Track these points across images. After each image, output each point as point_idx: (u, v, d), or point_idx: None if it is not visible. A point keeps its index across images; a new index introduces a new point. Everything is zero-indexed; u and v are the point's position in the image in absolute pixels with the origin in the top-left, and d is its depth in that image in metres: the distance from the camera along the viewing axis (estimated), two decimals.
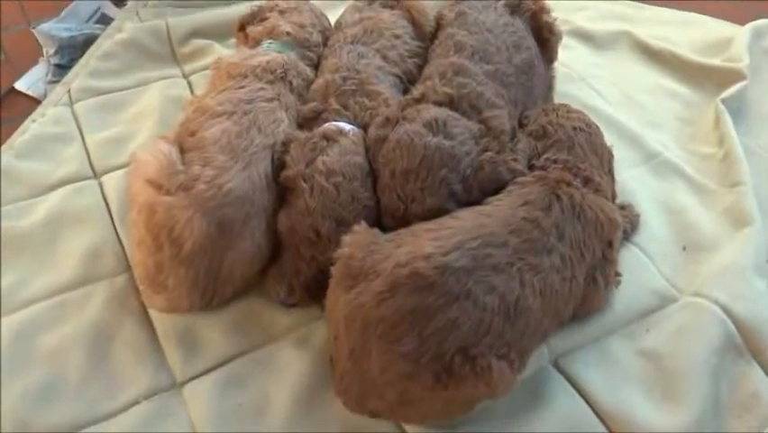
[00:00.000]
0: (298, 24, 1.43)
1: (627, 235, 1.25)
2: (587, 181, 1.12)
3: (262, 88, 1.25)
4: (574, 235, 1.04)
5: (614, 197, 1.21)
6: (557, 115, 1.24)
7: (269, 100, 1.24)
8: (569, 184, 1.08)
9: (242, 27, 1.49)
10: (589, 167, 1.15)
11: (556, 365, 1.09)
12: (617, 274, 1.16)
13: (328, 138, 1.15)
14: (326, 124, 1.20)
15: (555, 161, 1.16)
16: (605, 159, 1.22)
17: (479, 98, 1.18)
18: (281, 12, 1.46)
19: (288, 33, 1.40)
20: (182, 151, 1.17)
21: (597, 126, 1.26)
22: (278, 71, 1.29)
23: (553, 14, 1.45)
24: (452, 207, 1.08)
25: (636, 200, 1.32)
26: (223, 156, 1.13)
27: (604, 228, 1.08)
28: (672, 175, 1.41)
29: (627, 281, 1.18)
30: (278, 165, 1.16)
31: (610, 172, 1.23)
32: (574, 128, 1.20)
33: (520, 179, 1.11)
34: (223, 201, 1.09)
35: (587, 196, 1.08)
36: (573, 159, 1.16)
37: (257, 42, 1.41)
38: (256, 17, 1.47)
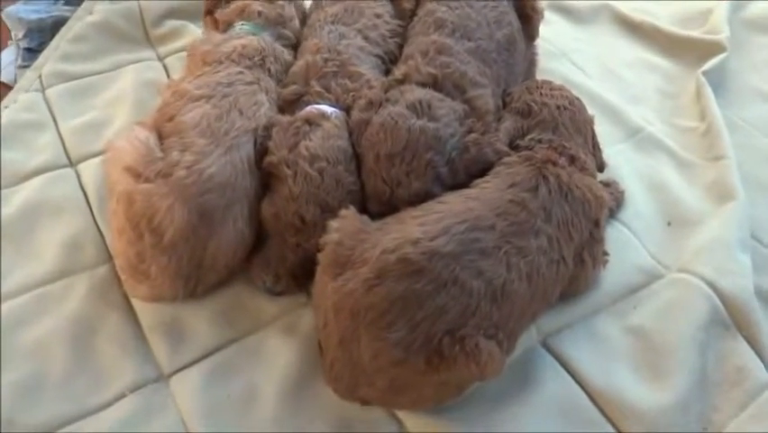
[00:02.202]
0: (269, 0, 1.39)
1: (613, 213, 1.25)
2: (573, 160, 1.12)
3: (241, 72, 1.22)
4: (562, 216, 1.03)
5: (600, 168, 1.22)
6: (540, 93, 1.23)
7: (249, 83, 1.21)
8: (555, 164, 1.08)
9: (209, 12, 1.44)
10: (574, 146, 1.15)
11: (545, 345, 1.09)
12: (605, 254, 1.16)
13: (311, 122, 1.13)
14: (308, 108, 1.18)
15: (540, 141, 1.15)
16: (589, 136, 1.21)
17: (462, 78, 1.17)
18: None
19: (259, 13, 1.36)
20: (160, 137, 1.14)
21: (580, 101, 1.26)
22: (256, 58, 1.26)
23: None
24: (437, 190, 1.08)
25: (620, 176, 1.32)
26: (203, 140, 1.10)
27: (591, 207, 1.08)
28: (655, 150, 1.41)
29: (613, 259, 1.18)
30: (261, 150, 1.14)
31: (596, 146, 1.23)
32: (558, 107, 1.20)
33: (506, 159, 1.10)
34: (204, 188, 1.06)
35: (573, 175, 1.08)
36: (558, 138, 1.15)
37: (228, 25, 1.37)
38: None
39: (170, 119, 1.16)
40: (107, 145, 1.17)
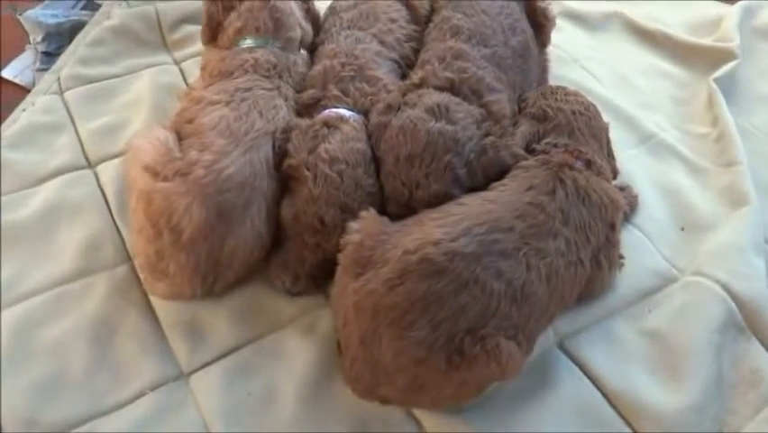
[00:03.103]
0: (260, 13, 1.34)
1: (627, 217, 1.26)
2: (589, 164, 1.13)
3: (259, 79, 1.24)
4: (579, 219, 1.05)
5: (614, 174, 1.23)
6: (556, 98, 1.24)
7: (269, 89, 1.23)
8: (572, 167, 1.09)
9: (211, 39, 1.39)
10: (590, 150, 1.16)
11: (562, 347, 1.10)
12: (621, 257, 1.17)
13: (329, 125, 1.15)
14: (326, 111, 1.19)
15: (556, 146, 1.16)
16: (604, 141, 1.23)
17: (479, 83, 1.19)
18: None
19: (257, 29, 1.33)
20: (180, 137, 1.16)
21: (594, 107, 1.27)
22: (272, 71, 1.26)
23: None
24: (456, 192, 1.09)
25: (634, 181, 1.33)
26: (222, 140, 1.12)
27: (608, 211, 1.09)
28: (668, 155, 1.42)
29: (628, 263, 1.19)
30: (280, 153, 1.15)
31: (609, 153, 1.24)
32: (573, 112, 1.21)
33: (524, 163, 1.11)
34: (222, 187, 1.08)
35: (590, 179, 1.09)
36: (574, 143, 1.17)
37: (233, 43, 1.34)
38: (215, 27, 1.38)
39: (189, 121, 1.17)
40: (127, 145, 1.18)
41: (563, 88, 1.30)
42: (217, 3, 1.37)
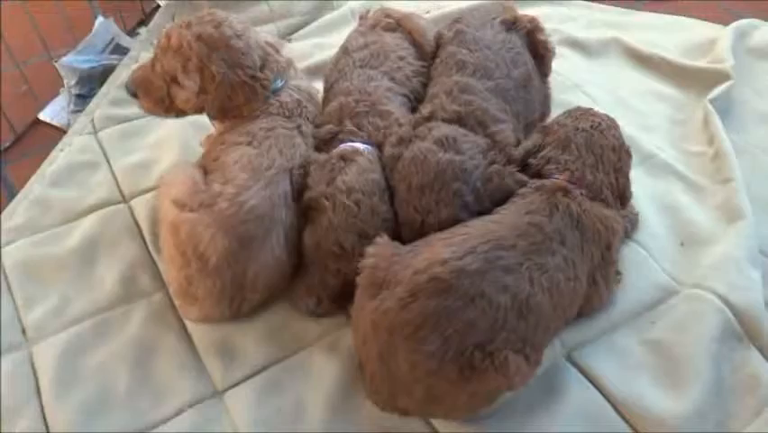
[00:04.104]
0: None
1: (628, 234, 1.33)
2: (579, 181, 1.17)
3: (281, 119, 1.31)
4: (574, 241, 1.11)
5: (621, 194, 1.24)
6: (570, 115, 1.28)
7: (289, 129, 1.30)
8: (566, 193, 1.14)
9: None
10: (581, 165, 1.19)
11: (570, 359, 1.17)
12: (618, 273, 1.23)
13: (345, 158, 1.23)
14: (342, 146, 1.28)
15: (549, 160, 1.21)
16: (605, 158, 1.22)
17: (484, 114, 1.26)
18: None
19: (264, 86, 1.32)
20: (205, 173, 1.25)
21: (609, 129, 1.26)
22: (295, 111, 1.33)
23: (546, 25, 1.53)
24: (464, 217, 1.16)
25: (635, 200, 1.38)
26: (244, 174, 1.20)
27: (601, 237, 1.15)
28: (667, 174, 1.49)
29: (631, 277, 1.26)
30: (298, 186, 1.24)
31: (618, 170, 1.24)
32: (576, 128, 1.24)
33: (521, 190, 1.18)
34: (244, 218, 1.16)
35: (583, 204, 1.14)
36: (566, 157, 1.20)
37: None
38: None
39: (215, 159, 1.26)
40: (158, 181, 1.27)
41: (588, 110, 1.31)
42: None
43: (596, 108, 1.58)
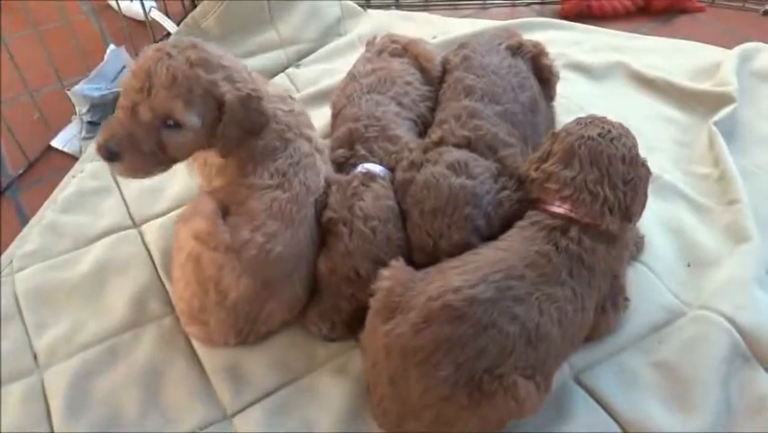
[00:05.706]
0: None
1: (634, 256, 1.34)
2: (578, 210, 1.13)
3: (300, 143, 1.27)
4: (582, 275, 1.10)
5: (626, 207, 1.15)
6: (579, 121, 1.22)
7: (309, 154, 1.27)
8: (564, 233, 1.11)
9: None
10: (582, 184, 1.13)
11: (578, 381, 1.17)
12: (626, 299, 1.24)
13: (364, 183, 1.25)
14: (360, 168, 1.30)
15: (550, 176, 1.17)
16: (612, 170, 1.14)
17: (494, 139, 1.28)
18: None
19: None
20: (225, 212, 1.19)
21: (619, 137, 1.18)
22: (304, 130, 1.30)
23: (551, 49, 1.55)
24: (475, 240, 1.17)
25: (642, 222, 1.37)
26: (274, 223, 1.17)
27: (606, 275, 1.15)
28: (673, 196, 1.49)
29: (638, 299, 1.26)
30: (320, 208, 1.25)
31: (627, 183, 1.15)
32: (581, 136, 1.17)
33: (519, 223, 1.16)
34: (272, 264, 1.17)
35: (584, 243, 1.11)
36: (568, 173, 1.15)
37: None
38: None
39: (240, 203, 1.19)
40: (180, 218, 1.23)
41: (600, 118, 1.23)
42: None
43: None
